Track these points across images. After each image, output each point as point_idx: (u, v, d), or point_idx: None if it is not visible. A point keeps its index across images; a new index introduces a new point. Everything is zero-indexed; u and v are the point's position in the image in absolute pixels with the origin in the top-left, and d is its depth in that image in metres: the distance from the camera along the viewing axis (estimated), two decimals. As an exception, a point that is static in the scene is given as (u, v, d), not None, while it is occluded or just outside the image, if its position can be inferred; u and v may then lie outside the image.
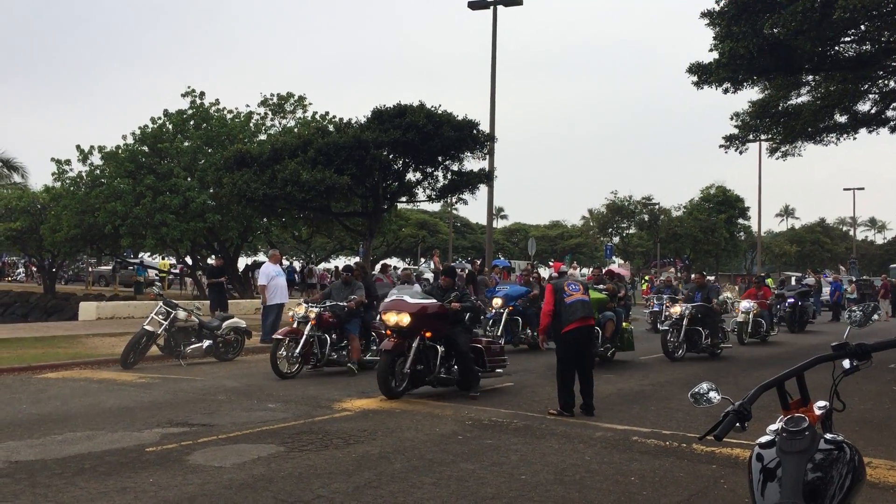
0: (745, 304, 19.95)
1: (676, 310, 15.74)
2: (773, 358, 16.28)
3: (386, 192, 24.28)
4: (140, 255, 39.04)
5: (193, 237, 27.53)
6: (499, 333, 15.88)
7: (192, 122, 28.42)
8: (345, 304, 12.58)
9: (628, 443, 7.63)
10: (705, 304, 15.67)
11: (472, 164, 24.18)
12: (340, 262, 64.28)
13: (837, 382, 3.14)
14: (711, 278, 51.24)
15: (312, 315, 12.27)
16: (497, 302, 16.53)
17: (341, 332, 12.76)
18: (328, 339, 12.40)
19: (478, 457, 6.94)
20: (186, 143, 27.97)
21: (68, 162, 28.76)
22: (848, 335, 3.18)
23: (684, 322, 15.44)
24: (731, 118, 21.66)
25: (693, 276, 19.77)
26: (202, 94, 28.71)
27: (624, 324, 15.41)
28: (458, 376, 10.43)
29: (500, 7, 26.76)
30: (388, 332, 10.51)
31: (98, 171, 27.91)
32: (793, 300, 24.11)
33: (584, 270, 31.95)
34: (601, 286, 15.20)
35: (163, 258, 40.31)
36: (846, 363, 3.11)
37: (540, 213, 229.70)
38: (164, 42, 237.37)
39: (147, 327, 13.32)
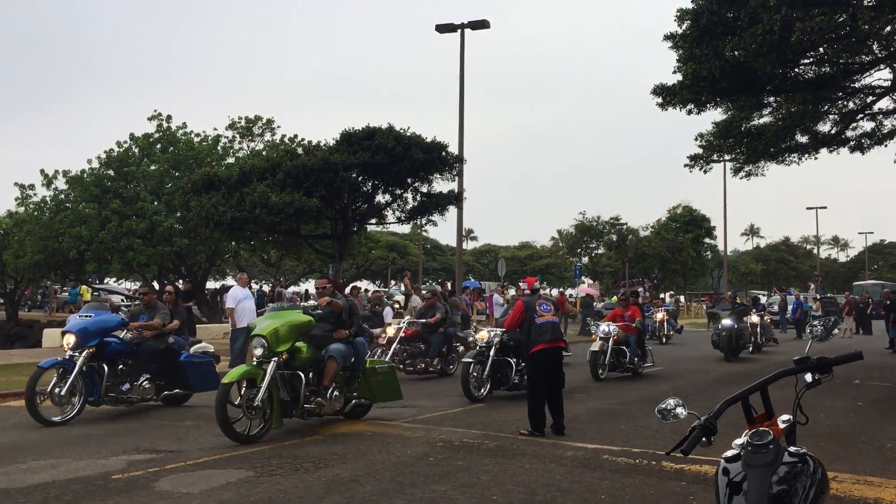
0: (603, 327, 15.34)
1: (482, 336, 12.33)
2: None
3: (355, 215, 24.26)
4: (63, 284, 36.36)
5: (160, 261, 27.26)
6: (61, 392, 10.08)
7: (158, 146, 28.21)
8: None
9: (599, 461, 7.65)
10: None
11: (442, 185, 24.27)
12: (310, 285, 64.26)
13: (800, 396, 3.20)
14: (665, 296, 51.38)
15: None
16: (69, 340, 10.30)
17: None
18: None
19: (448, 478, 6.92)
20: (153, 167, 27.76)
21: (32, 187, 28.45)
22: (810, 349, 3.23)
23: (491, 352, 11.98)
24: (696, 139, 21.97)
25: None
26: (169, 117, 28.55)
27: (369, 361, 10.21)
28: None
29: (467, 31, 26.96)
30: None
31: (63, 196, 27.59)
32: (729, 323, 19.63)
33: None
34: (310, 303, 10.05)
35: (85, 284, 37.74)
36: (808, 377, 3.18)
37: (509, 235, 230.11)
38: (129, 66, 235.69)
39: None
